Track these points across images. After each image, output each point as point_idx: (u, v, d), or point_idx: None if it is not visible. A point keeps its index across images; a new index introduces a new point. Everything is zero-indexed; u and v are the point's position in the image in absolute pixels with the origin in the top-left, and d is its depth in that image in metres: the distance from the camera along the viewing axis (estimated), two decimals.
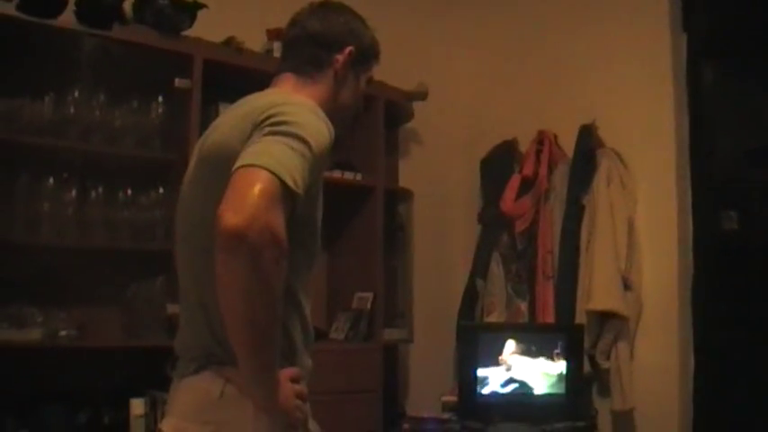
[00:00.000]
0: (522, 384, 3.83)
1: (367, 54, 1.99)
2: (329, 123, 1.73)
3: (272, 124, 1.61)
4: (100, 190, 3.31)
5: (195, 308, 1.75)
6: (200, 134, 3.31)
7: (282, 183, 1.51)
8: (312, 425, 1.79)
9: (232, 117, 1.77)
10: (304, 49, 1.93)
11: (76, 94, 3.24)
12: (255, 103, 1.76)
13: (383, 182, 4.10)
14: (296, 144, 1.59)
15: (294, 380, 1.71)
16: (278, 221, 1.49)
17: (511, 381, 3.82)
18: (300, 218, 1.62)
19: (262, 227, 1.46)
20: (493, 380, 3.82)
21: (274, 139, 1.58)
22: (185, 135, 3.36)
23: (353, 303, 3.98)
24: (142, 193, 3.40)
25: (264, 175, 1.50)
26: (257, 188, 1.48)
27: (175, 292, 3.24)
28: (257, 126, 1.63)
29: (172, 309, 3.33)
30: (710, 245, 3.98)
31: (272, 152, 1.55)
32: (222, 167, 1.61)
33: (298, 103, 1.73)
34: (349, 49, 1.93)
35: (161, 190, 3.43)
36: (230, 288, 1.50)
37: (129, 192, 3.38)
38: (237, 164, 1.53)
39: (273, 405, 1.65)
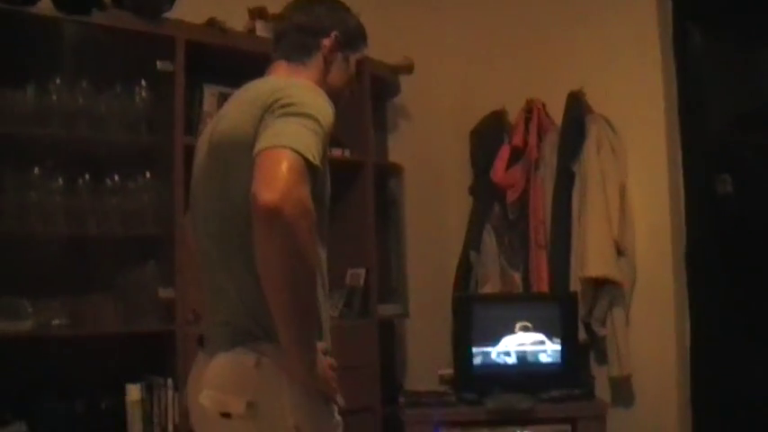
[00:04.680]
0: (519, 354, 3.86)
1: (353, 37, 2.14)
2: (330, 101, 1.86)
3: (282, 106, 1.75)
4: (87, 177, 3.30)
5: (225, 288, 1.87)
6: (186, 117, 3.39)
7: (305, 159, 1.66)
8: (340, 398, 1.89)
9: (238, 104, 1.90)
10: (293, 38, 2.08)
11: (58, 81, 3.23)
12: (259, 88, 1.88)
13: (373, 157, 4.11)
14: (307, 122, 1.72)
15: (324, 353, 1.82)
16: (307, 194, 1.64)
17: (507, 351, 3.86)
18: (314, 193, 1.71)
19: (296, 200, 1.60)
20: (489, 351, 3.85)
21: (288, 120, 1.72)
22: (171, 118, 3.36)
23: (347, 280, 3.99)
24: (130, 179, 3.39)
25: (288, 153, 1.64)
26: (285, 166, 1.62)
27: (167, 277, 3.32)
28: (267, 109, 1.76)
29: (164, 293, 3.35)
30: (704, 209, 3.99)
31: (290, 132, 1.69)
32: (238, 151, 1.78)
33: (300, 85, 1.86)
34: (334, 33, 2.07)
35: (148, 175, 3.42)
36: (272, 261, 1.64)
37: (117, 178, 3.37)
38: (259, 147, 1.68)
39: (313, 375, 1.77)
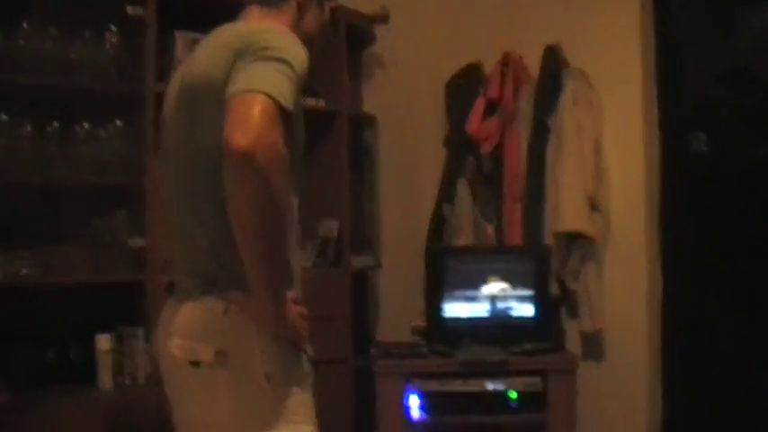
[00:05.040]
0: (491, 307, 3.88)
1: None
2: (304, 47, 1.83)
3: (255, 50, 1.72)
4: (56, 124, 3.25)
5: (195, 235, 1.86)
6: (157, 64, 3.33)
7: (278, 104, 1.64)
8: (309, 348, 1.89)
9: (210, 47, 1.87)
10: None
11: (26, 26, 3.17)
12: (232, 32, 1.86)
13: (347, 108, 4.08)
14: (281, 67, 1.70)
15: (295, 301, 1.82)
16: (279, 139, 1.63)
17: (479, 304, 3.88)
18: (287, 139, 1.70)
19: (268, 144, 1.60)
20: (461, 303, 3.87)
21: (261, 64, 1.70)
22: (141, 65, 3.32)
23: (320, 231, 3.98)
24: (100, 127, 3.35)
25: (261, 97, 1.63)
26: (257, 110, 1.61)
27: (138, 226, 3.30)
28: (240, 54, 1.73)
29: (135, 242, 3.33)
30: (679, 166, 4.01)
31: (263, 76, 1.67)
32: (209, 95, 1.76)
33: (274, 30, 1.84)
34: None
35: (119, 122, 3.38)
36: (243, 206, 1.63)
37: (87, 125, 3.33)
38: (232, 90, 1.66)
39: (283, 324, 1.77)
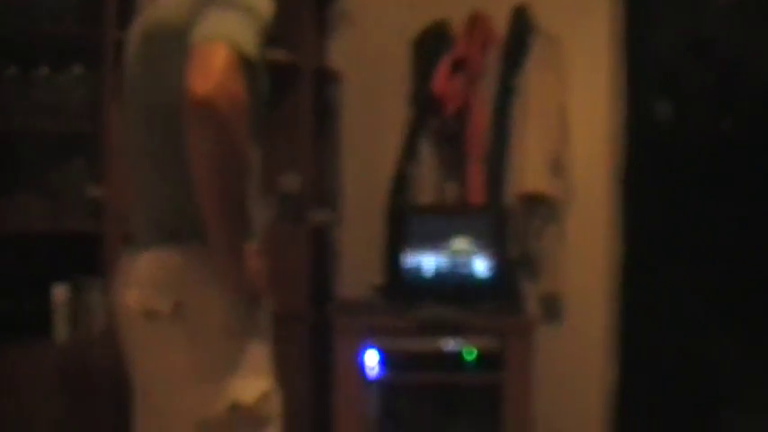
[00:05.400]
0: (450, 265, 3.89)
1: None
2: None
3: None
4: (13, 69, 3.19)
5: (154, 184, 1.84)
6: (119, 8, 3.27)
7: (241, 52, 1.63)
8: (268, 301, 1.89)
9: None
10: None
11: None
12: None
13: (312, 62, 4.04)
14: (246, 15, 1.68)
15: (255, 254, 1.81)
16: (242, 88, 1.62)
17: (439, 262, 3.89)
18: (250, 89, 1.69)
19: (230, 93, 1.58)
20: (420, 261, 3.88)
21: (226, 12, 1.67)
22: (102, 9, 3.25)
23: (280, 185, 3.96)
24: (59, 72, 3.29)
25: (225, 45, 1.61)
26: (220, 58, 1.59)
27: (96, 174, 3.25)
28: (204, 0, 1.70)
29: (93, 191, 3.29)
30: (643, 133, 4.04)
31: (228, 24, 1.65)
32: (172, 41, 1.75)
33: None
34: None
35: (79, 68, 3.32)
36: (203, 156, 1.61)
37: (46, 71, 3.27)
38: (195, 38, 1.64)
39: (242, 276, 1.76)
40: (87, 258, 3.27)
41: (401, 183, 4.33)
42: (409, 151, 4.31)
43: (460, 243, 3.90)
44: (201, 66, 1.59)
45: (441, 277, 3.90)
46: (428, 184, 4.25)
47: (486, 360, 3.70)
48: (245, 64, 1.64)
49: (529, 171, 3.92)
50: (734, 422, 3.99)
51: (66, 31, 3.29)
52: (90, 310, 3.25)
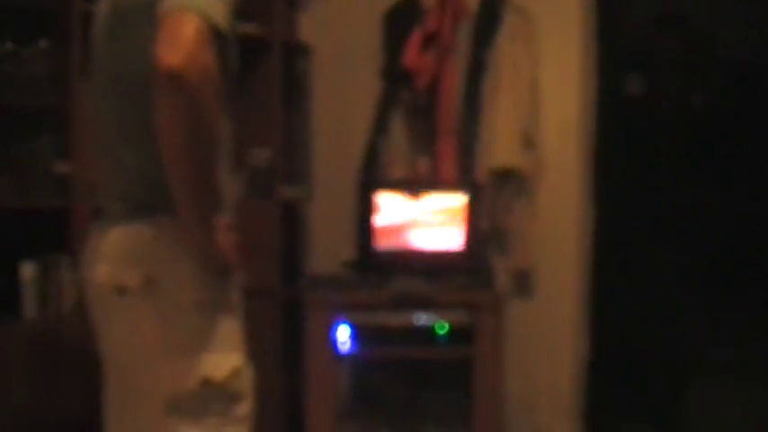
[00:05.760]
0: (421, 239, 3.90)
1: None
2: None
3: None
4: None
5: (123, 157, 1.82)
6: None
7: (211, 24, 1.62)
8: (239, 276, 1.89)
9: None
10: None
11: None
12: None
13: (281, 35, 4.02)
14: None
15: (227, 228, 1.81)
16: (212, 60, 1.61)
17: (410, 236, 3.90)
18: (221, 61, 1.69)
19: (200, 65, 1.58)
20: (391, 235, 3.88)
21: None
22: None
23: (250, 159, 3.94)
24: (25, 46, 3.25)
25: (195, 17, 1.59)
26: (190, 29, 1.58)
27: (64, 149, 3.22)
28: None
29: (60, 167, 3.27)
30: (615, 107, 4.06)
31: None
32: (140, 13, 1.72)
33: None
34: None
35: (45, 42, 3.28)
36: (173, 128, 1.61)
37: (10, 45, 3.22)
38: (165, 8, 1.62)
39: (213, 251, 1.76)
40: (56, 235, 3.24)
41: (372, 157, 4.32)
42: (380, 125, 4.30)
43: (430, 217, 3.90)
44: (171, 36, 1.58)
45: (410, 251, 3.91)
46: (399, 158, 4.25)
47: (458, 334, 3.71)
48: (216, 35, 1.63)
49: (500, 145, 3.93)
50: (705, 393, 4.05)
51: (32, 4, 3.25)
52: (59, 287, 3.23)
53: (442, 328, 3.71)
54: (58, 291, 3.24)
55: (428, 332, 3.72)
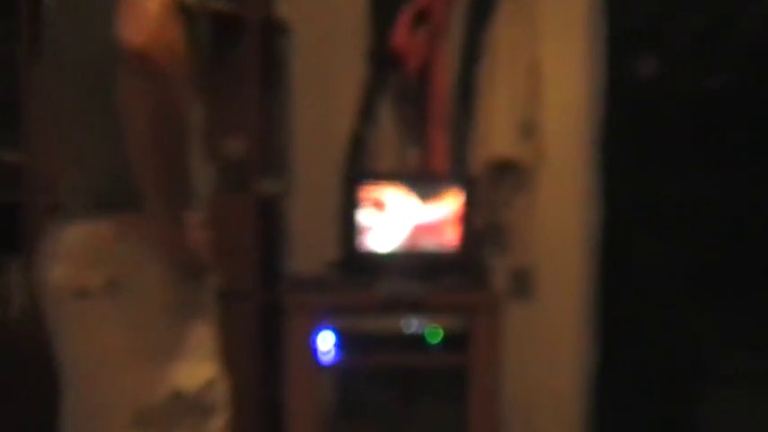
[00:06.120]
0: (411, 237, 3.88)
1: None
2: None
3: None
4: None
5: (83, 146, 1.82)
6: None
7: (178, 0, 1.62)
8: (212, 277, 1.89)
9: None
10: None
11: None
12: None
13: (258, 12, 3.99)
14: None
15: (199, 225, 1.80)
16: (179, 38, 1.62)
17: (399, 234, 3.88)
18: (189, 40, 1.67)
19: (167, 42, 1.59)
20: (379, 233, 3.86)
21: None
22: None
23: (224, 150, 3.91)
24: None
25: None
26: (155, 4, 1.58)
27: (14, 139, 3.19)
28: None
29: (10, 157, 3.25)
30: (623, 93, 4.05)
31: None
32: None
33: None
34: None
35: None
36: (137, 112, 1.60)
37: None
38: None
39: (183, 249, 1.76)
40: (5, 233, 3.22)
41: (358, 148, 4.31)
42: (366, 113, 4.29)
43: (421, 213, 3.89)
44: (134, 13, 1.57)
45: (399, 249, 3.89)
46: (387, 148, 4.24)
47: (451, 340, 3.69)
48: (182, 11, 1.63)
49: (496, 134, 3.93)
50: (714, 397, 4.06)
51: None
52: (8, 289, 3.21)
53: (435, 333, 3.69)
54: (8, 294, 3.21)
55: (419, 338, 3.70)
